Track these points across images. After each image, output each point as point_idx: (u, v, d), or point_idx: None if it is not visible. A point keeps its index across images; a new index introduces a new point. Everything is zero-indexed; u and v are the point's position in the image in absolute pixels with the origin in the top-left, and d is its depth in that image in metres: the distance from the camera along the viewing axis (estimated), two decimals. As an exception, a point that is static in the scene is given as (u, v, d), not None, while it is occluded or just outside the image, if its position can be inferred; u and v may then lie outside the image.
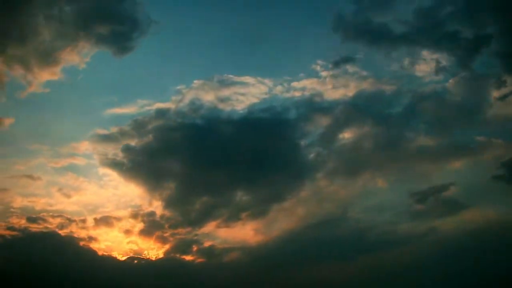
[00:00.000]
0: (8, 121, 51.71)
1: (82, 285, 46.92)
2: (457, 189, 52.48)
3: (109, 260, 50.53)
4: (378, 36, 57.92)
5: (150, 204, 53.42)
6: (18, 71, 51.34)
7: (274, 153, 56.43)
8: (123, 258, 51.22)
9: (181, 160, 55.64)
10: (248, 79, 59.85)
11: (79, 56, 54.11)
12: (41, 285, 46.09)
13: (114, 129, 55.10)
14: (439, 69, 57.60)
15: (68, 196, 52.76)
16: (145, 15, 54.71)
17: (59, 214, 51.30)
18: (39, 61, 51.47)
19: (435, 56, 57.64)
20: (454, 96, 56.99)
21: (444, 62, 57.21)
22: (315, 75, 60.40)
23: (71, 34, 52.45)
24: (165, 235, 52.21)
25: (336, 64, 60.08)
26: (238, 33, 65.98)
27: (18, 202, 51.18)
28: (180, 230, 52.40)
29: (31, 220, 49.83)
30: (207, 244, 52.90)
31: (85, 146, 54.74)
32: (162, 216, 52.67)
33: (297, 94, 59.41)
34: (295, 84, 59.59)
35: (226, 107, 58.61)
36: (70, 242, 49.65)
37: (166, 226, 52.25)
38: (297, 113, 58.14)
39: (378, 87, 59.02)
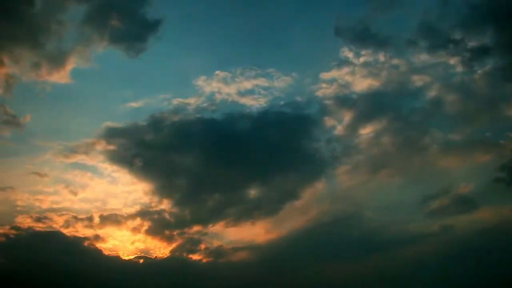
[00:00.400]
0: (23, 120, 51.48)
1: (88, 284, 45.89)
2: (477, 187, 52.00)
3: (115, 259, 49.57)
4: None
5: (160, 202, 52.28)
6: (32, 68, 50.98)
7: (291, 149, 55.37)
8: (130, 257, 50.30)
9: (195, 157, 54.52)
10: (272, 71, 59.35)
11: (94, 53, 54.43)
12: (45, 285, 44.99)
13: (127, 125, 54.03)
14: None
15: (75, 193, 52.00)
16: (159, 14, 54.35)
17: (66, 212, 50.47)
18: (54, 59, 51.33)
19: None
20: (480, 90, 55.82)
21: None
22: (345, 64, 58.25)
23: (86, 33, 52.75)
24: (173, 233, 51.24)
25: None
26: (263, 25, 64.23)
27: (25, 200, 50.42)
28: (188, 228, 51.51)
29: (37, 219, 49.08)
30: (215, 243, 52.22)
31: (97, 142, 53.00)
32: (170, 214, 51.71)
33: (325, 85, 57.80)
34: (324, 75, 58.13)
35: (247, 101, 57.81)
36: (75, 241, 48.74)
37: (175, 224, 51.24)
38: (320, 107, 57.16)
39: (407, 78, 57.47)
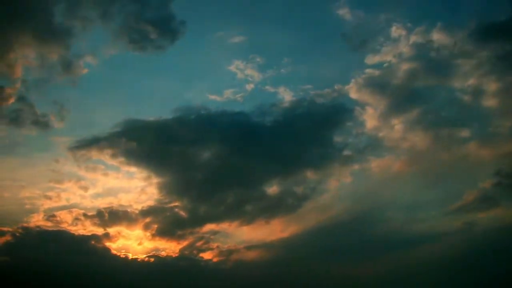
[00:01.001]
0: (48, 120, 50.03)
1: (97, 284, 44.67)
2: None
3: (125, 258, 48.36)
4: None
5: (173, 199, 50.33)
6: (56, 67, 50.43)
7: (317, 144, 53.00)
8: (140, 256, 48.92)
9: (213, 153, 52.13)
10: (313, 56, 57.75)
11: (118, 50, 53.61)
12: (52, 284, 43.87)
13: (147, 118, 52.08)
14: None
15: (87, 190, 50.65)
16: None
17: (76, 210, 49.20)
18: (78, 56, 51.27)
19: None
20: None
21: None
22: (393, 43, 54.31)
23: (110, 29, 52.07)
24: (185, 232, 49.75)
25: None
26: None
27: (36, 197, 49.28)
28: (201, 226, 49.99)
29: (47, 217, 48.08)
30: (228, 241, 51.01)
31: (114, 137, 50.75)
32: (183, 212, 50.02)
33: (369, 71, 54.13)
34: (369, 59, 54.31)
35: (281, 91, 55.44)
36: (84, 240, 47.42)
37: (187, 222, 49.65)
38: (358, 96, 53.93)
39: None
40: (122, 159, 51.30)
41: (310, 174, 52.71)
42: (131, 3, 51.33)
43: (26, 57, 48.72)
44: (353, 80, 54.53)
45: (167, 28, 51.67)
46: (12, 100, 47.94)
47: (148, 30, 51.62)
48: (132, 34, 51.44)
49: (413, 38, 54.19)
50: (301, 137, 53.09)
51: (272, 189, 51.94)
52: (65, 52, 49.98)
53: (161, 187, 51.21)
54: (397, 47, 54.51)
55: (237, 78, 56.32)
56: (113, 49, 53.05)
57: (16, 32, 47.23)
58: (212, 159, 51.92)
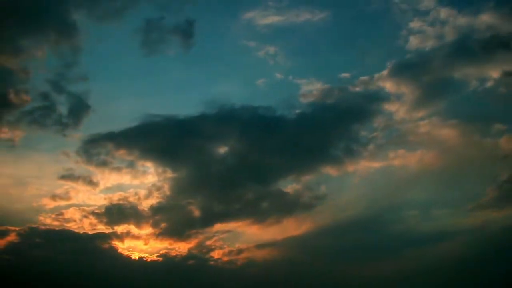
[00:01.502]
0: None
1: (104, 283, 43.51)
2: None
3: (132, 257, 47.00)
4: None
5: (184, 197, 48.88)
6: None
7: (341, 138, 50.76)
8: (148, 256, 47.45)
9: (232, 149, 50.19)
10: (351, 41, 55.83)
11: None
12: (57, 284, 42.80)
13: (167, 114, 50.26)
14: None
15: (96, 188, 49.37)
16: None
17: (84, 208, 48.06)
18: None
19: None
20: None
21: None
22: (440, 25, 51.82)
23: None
24: (195, 231, 48.14)
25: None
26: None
27: (43, 195, 48.59)
28: (211, 225, 48.34)
29: (55, 216, 47.19)
30: (239, 240, 49.45)
31: (128, 132, 49.44)
32: (194, 211, 48.39)
33: (409, 56, 53.02)
34: (410, 45, 52.32)
35: (308, 83, 53.37)
36: (93, 239, 46.10)
37: (197, 221, 48.06)
38: (391, 86, 51.45)
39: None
40: (136, 154, 50.15)
41: (330, 171, 50.94)
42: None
43: (42, 57, 49.24)
44: (389, 67, 52.72)
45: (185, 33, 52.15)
46: (27, 99, 47.93)
47: (166, 36, 52.55)
48: (147, 37, 52.53)
49: (461, 20, 52.30)
50: (325, 131, 51.11)
51: (290, 186, 50.32)
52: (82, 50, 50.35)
53: (174, 184, 49.84)
54: (442, 30, 52.78)
55: (267, 65, 54.59)
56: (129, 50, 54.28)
57: (31, 31, 47.83)
58: (229, 155, 50.29)
